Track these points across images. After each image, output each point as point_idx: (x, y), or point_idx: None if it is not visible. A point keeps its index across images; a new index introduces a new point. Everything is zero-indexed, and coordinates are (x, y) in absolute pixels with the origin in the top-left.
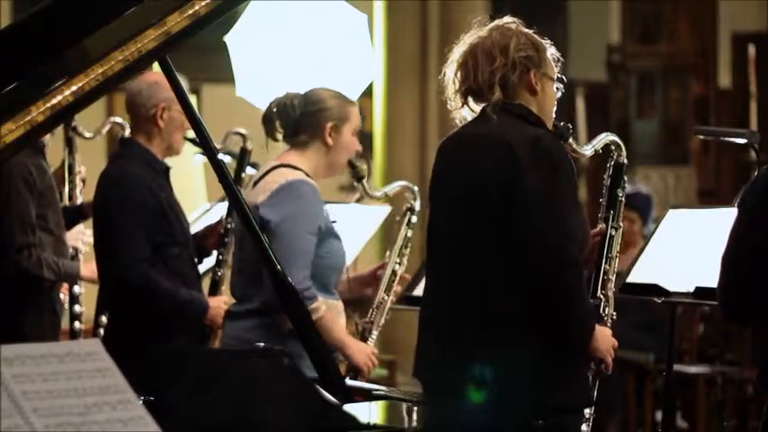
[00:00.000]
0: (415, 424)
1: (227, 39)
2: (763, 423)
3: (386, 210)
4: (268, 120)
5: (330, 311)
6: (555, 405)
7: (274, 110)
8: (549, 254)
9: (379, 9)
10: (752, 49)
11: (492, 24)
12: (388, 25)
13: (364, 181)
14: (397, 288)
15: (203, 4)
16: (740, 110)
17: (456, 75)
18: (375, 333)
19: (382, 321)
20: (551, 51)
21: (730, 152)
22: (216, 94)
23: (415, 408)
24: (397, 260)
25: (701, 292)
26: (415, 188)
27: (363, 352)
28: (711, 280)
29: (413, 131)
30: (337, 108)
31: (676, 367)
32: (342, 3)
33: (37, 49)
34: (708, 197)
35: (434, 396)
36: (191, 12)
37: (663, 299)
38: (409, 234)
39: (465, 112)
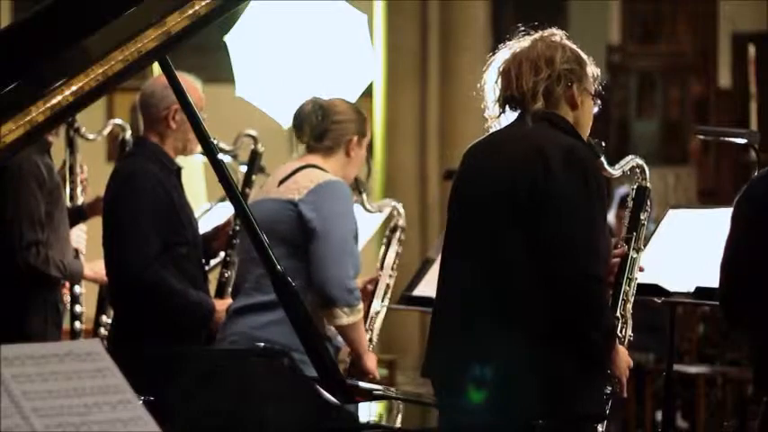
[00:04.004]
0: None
1: (227, 39)
2: (760, 423)
3: (386, 210)
4: (301, 121)
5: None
6: (571, 412)
7: (307, 111)
8: (575, 269)
9: (379, 9)
10: (752, 49)
11: (536, 35)
12: (388, 25)
13: (364, 195)
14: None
15: (203, 4)
16: (740, 110)
17: (496, 82)
18: (373, 342)
19: (377, 332)
20: (591, 68)
21: (730, 152)
22: (216, 94)
23: (415, 408)
24: (390, 273)
25: (700, 292)
26: (400, 206)
27: (374, 359)
28: (711, 280)
29: (413, 131)
30: (360, 123)
31: (676, 367)
32: (342, 3)
33: (37, 49)
34: (708, 197)
35: (446, 395)
36: (191, 12)
37: (663, 299)
38: (398, 251)
39: (502, 121)
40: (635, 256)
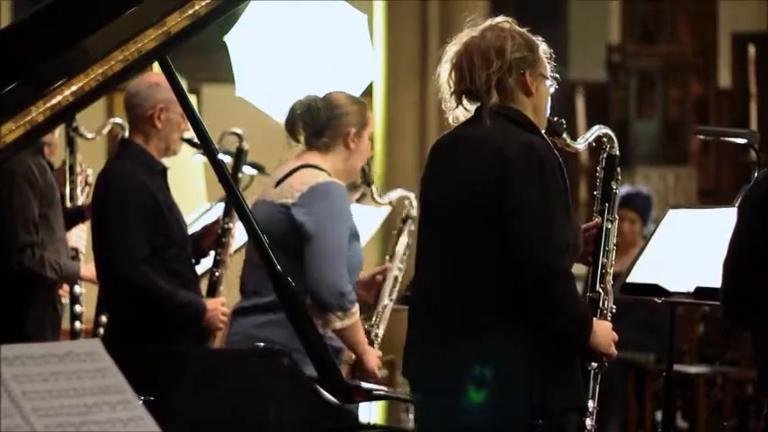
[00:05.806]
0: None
1: (227, 39)
2: (764, 425)
3: (386, 210)
4: (292, 122)
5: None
6: (547, 408)
7: (298, 112)
8: (534, 263)
9: (379, 9)
10: (752, 49)
11: (485, 24)
12: (388, 25)
13: (373, 186)
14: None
15: (203, 4)
16: (740, 110)
17: (450, 76)
18: (380, 337)
19: (384, 325)
20: (543, 48)
21: (730, 152)
22: (216, 94)
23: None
24: (399, 266)
25: (700, 292)
26: (413, 196)
27: (376, 357)
28: (711, 280)
29: (413, 131)
30: (359, 113)
31: (676, 367)
32: (342, 3)
33: (37, 49)
34: (708, 197)
35: (423, 396)
36: (191, 12)
37: (663, 299)
38: (409, 242)
39: (459, 112)
40: (609, 226)
